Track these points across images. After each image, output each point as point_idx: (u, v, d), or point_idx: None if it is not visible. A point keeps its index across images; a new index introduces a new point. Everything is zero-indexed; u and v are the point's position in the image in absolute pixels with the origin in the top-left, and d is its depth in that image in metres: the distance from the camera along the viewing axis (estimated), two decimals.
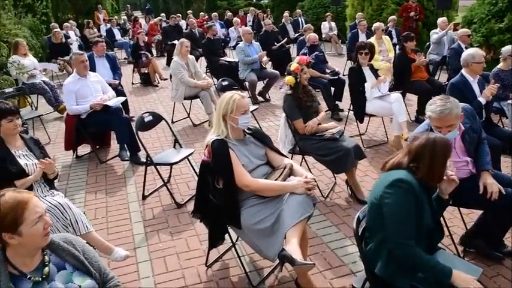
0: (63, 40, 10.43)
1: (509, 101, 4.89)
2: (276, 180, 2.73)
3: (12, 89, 6.21)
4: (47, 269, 1.71)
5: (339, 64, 9.42)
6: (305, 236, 2.81)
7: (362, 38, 8.99)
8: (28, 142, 3.20)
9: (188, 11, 18.37)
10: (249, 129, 2.97)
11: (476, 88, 4.31)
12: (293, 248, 2.40)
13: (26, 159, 3.08)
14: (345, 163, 3.87)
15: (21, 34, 9.31)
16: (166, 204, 4.20)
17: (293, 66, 4.07)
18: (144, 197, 4.31)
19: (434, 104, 2.68)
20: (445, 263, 2.09)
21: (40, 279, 1.68)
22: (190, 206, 4.05)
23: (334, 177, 4.47)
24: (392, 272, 2.15)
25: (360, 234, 2.28)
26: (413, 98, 6.78)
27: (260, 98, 7.88)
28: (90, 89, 5.19)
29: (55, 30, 10.39)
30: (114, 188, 4.59)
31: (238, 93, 2.86)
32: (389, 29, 9.65)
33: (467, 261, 2.75)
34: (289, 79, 4.09)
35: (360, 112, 5.31)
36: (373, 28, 8.12)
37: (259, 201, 2.73)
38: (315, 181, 2.73)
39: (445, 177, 2.29)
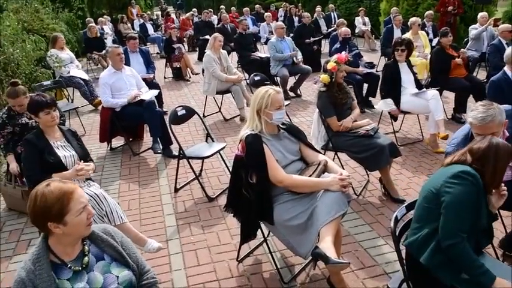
0: (98, 34, 10.65)
1: None
2: (309, 176, 2.70)
3: (49, 82, 6.38)
4: (86, 258, 1.74)
5: (372, 60, 9.22)
6: (339, 234, 2.76)
7: (397, 33, 8.79)
8: (66, 133, 3.27)
9: (220, 6, 18.42)
10: (283, 124, 2.94)
11: None
12: (327, 246, 2.36)
13: (64, 150, 3.16)
14: (379, 160, 3.79)
15: (59, 29, 9.57)
16: (197, 197, 4.23)
17: (330, 65, 4.00)
18: (176, 190, 4.35)
19: (476, 110, 2.56)
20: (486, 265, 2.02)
21: (80, 268, 1.71)
22: (222, 200, 4.10)
23: (367, 174, 4.39)
24: (438, 263, 2.08)
25: (397, 234, 2.22)
26: (450, 96, 6.59)
27: (291, 94, 7.83)
28: (124, 83, 5.28)
29: (90, 25, 10.62)
30: (147, 180, 4.66)
31: (273, 88, 2.83)
32: (426, 24, 9.37)
33: (507, 266, 2.64)
34: (324, 77, 4.02)
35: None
36: (409, 23, 7.92)
37: (292, 197, 2.70)
38: (350, 178, 2.68)
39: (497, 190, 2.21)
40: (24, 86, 4.24)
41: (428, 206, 2.15)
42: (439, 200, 2.08)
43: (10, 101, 3.86)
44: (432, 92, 4.96)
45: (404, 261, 2.22)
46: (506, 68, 4.17)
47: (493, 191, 2.19)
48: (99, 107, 7.06)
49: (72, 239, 1.74)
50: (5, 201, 4.23)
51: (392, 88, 5.12)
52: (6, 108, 3.97)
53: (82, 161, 3.14)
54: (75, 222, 1.67)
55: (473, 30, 8.06)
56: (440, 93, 5.38)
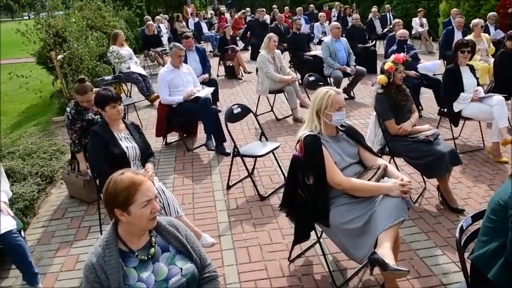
0: (156, 32, 10.99)
1: None
2: (368, 180, 2.65)
3: (110, 77, 6.66)
4: (153, 249, 1.80)
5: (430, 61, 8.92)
6: (397, 241, 2.70)
7: (458, 35, 8.41)
8: (129, 126, 3.42)
9: (273, 6, 18.44)
10: (342, 126, 2.91)
11: None
12: (385, 252, 2.31)
13: (127, 142, 3.30)
14: (439, 168, 3.65)
15: (119, 26, 9.95)
16: (249, 195, 4.27)
17: (387, 65, 3.90)
18: (229, 187, 4.41)
19: None
20: None
21: (146, 258, 1.77)
22: (273, 200, 4.12)
23: (424, 182, 4.26)
24: (508, 280, 1.98)
25: (462, 244, 2.14)
26: None
27: (345, 95, 7.71)
28: (182, 80, 5.42)
29: (149, 22, 10.97)
30: (200, 176, 4.75)
31: (333, 89, 2.81)
32: (489, 26, 8.93)
33: None
34: (381, 78, 3.93)
35: (456, 114, 4.97)
36: (471, 25, 7.57)
37: (350, 200, 2.66)
38: (411, 184, 2.60)
39: None
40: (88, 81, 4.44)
41: (496, 219, 2.05)
42: (507, 213, 1.98)
43: (78, 97, 4.03)
44: (497, 98, 4.71)
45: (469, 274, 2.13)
46: None
47: None
48: (155, 103, 7.32)
49: (138, 230, 1.79)
50: (67, 189, 4.46)
51: (453, 93, 4.93)
52: (73, 104, 4.14)
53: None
54: (138, 213, 1.73)
55: None
56: (507, 99, 5.10)
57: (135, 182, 1.74)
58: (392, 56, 3.94)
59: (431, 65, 6.64)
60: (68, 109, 4.12)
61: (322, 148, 2.69)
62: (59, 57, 6.42)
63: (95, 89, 3.97)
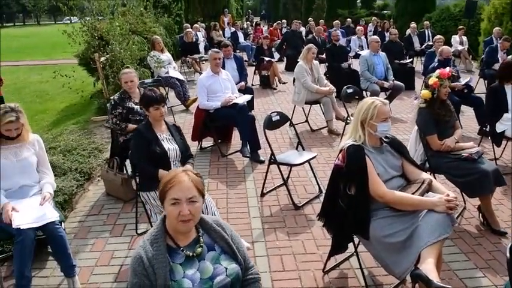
0: (194, 40, 11.19)
1: None
2: (412, 194, 2.59)
3: (150, 80, 6.80)
4: (200, 249, 1.80)
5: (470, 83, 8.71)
6: (440, 258, 2.61)
7: (500, 55, 8.23)
8: (171, 128, 3.48)
9: (308, 18, 18.51)
10: (386, 137, 2.87)
11: None
12: (429, 268, 2.25)
13: (168, 143, 3.35)
14: (482, 187, 3.54)
15: (158, 32, 10.19)
16: (283, 204, 4.24)
17: (432, 80, 3.82)
18: (263, 194, 4.41)
19: None
20: None
21: (192, 255, 1.78)
22: (307, 210, 4.09)
23: (464, 201, 4.12)
24: None
25: None
26: None
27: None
28: (220, 86, 5.49)
29: (188, 30, 11.20)
30: (234, 182, 4.77)
31: (380, 100, 2.78)
32: None
33: None
34: (425, 93, 3.85)
35: (498, 134, 4.82)
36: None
37: (392, 213, 2.61)
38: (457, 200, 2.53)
39: None
40: None
41: None
42: None
43: (123, 76, 4.42)
44: None
45: None
46: None
47: None
48: (190, 108, 7.43)
49: (174, 226, 1.78)
50: (104, 186, 4.55)
51: (496, 113, 4.79)
52: (120, 92, 4.51)
53: None
54: (168, 210, 1.75)
55: None
56: None
57: (174, 178, 1.76)
58: (437, 71, 3.86)
59: (466, 80, 6.51)
60: (113, 96, 4.46)
61: (366, 158, 2.65)
62: (102, 59, 6.62)
63: (141, 88, 4.16)
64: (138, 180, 3.42)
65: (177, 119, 7.14)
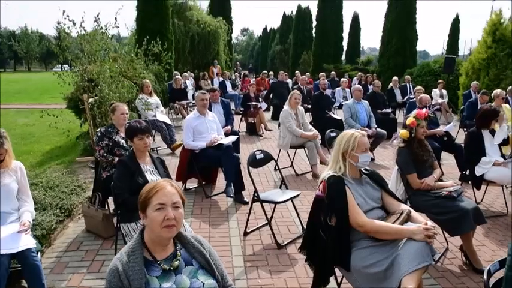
0: (183, 86, 11.43)
1: None
2: (392, 223, 2.61)
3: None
4: (177, 262, 1.78)
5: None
6: (421, 287, 2.60)
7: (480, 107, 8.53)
8: (155, 160, 3.50)
9: (296, 71, 19.12)
10: (365, 169, 2.93)
11: None
12: None
13: (151, 175, 3.36)
14: (462, 225, 3.56)
15: (148, 78, 10.40)
16: (266, 243, 4.20)
17: (409, 120, 3.96)
18: (246, 234, 4.36)
19: None
20: None
21: (169, 268, 1.75)
22: (291, 249, 4.05)
23: (447, 242, 4.14)
24: None
25: (490, 286, 2.05)
26: None
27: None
28: (206, 127, 5.57)
29: (177, 77, 11.47)
30: (217, 221, 4.72)
31: (358, 131, 2.87)
32: (509, 99, 9.05)
33: None
34: (403, 133, 3.98)
35: (478, 177, 4.92)
36: (492, 95, 7.71)
37: (372, 243, 2.61)
38: (435, 229, 2.55)
39: None
40: None
41: None
42: None
43: (119, 108, 4.55)
44: None
45: None
46: None
47: None
48: (176, 151, 7.45)
49: (159, 238, 1.78)
50: (85, 223, 4.47)
51: (475, 157, 4.92)
52: (107, 126, 4.60)
53: None
54: (152, 217, 1.74)
55: None
56: None
57: (157, 186, 1.79)
58: (415, 111, 4.01)
59: (446, 127, 6.72)
60: (99, 128, 4.51)
61: (346, 189, 2.69)
62: (90, 100, 6.69)
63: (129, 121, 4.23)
64: (118, 211, 3.39)
65: None
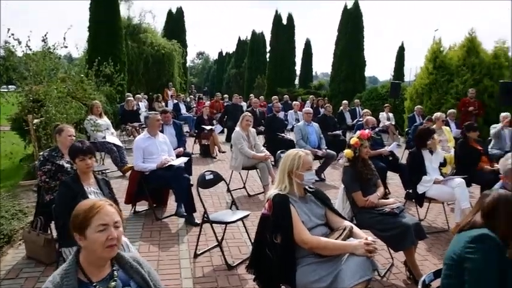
0: (135, 108, 11.27)
1: None
2: (335, 240, 2.69)
3: None
4: (114, 283, 1.74)
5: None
6: None
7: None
8: (100, 181, 3.42)
9: (250, 95, 19.37)
10: (310, 188, 3.01)
11: None
12: None
13: (95, 196, 3.28)
14: (404, 240, 3.70)
15: (99, 99, 10.19)
16: (216, 264, 4.16)
17: (353, 140, 4.14)
18: (196, 256, 4.31)
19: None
20: None
21: None
22: (241, 270, 4.04)
23: (392, 258, 4.28)
24: None
25: None
26: (476, 191, 6.54)
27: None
28: (157, 148, 5.51)
29: (129, 98, 11.33)
30: (167, 244, 4.64)
31: (302, 151, 2.96)
32: (449, 121, 9.60)
33: None
34: (348, 152, 4.14)
35: (420, 195, 5.16)
36: (433, 117, 8.15)
37: (316, 259, 2.67)
38: (376, 244, 2.65)
39: None
40: None
41: (451, 274, 2.11)
42: (462, 268, 2.04)
43: (66, 130, 4.36)
44: (458, 180, 4.97)
45: None
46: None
47: None
48: (127, 174, 7.29)
49: (96, 258, 1.74)
50: (25, 249, 4.25)
51: (417, 176, 5.17)
52: (50, 149, 4.36)
53: None
54: (93, 238, 1.70)
55: (493, 129, 8.23)
56: (467, 185, 5.36)
57: (94, 205, 1.75)
58: (358, 132, 4.19)
59: (390, 147, 7.04)
60: (42, 152, 4.26)
61: (291, 207, 2.75)
62: (36, 121, 6.47)
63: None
64: (60, 235, 3.26)
65: (113, 185, 6.91)
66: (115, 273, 1.79)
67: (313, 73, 35.67)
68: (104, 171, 6.79)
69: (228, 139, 11.71)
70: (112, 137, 7.84)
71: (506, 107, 10.30)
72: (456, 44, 13.50)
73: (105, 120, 7.98)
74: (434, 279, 2.28)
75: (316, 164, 8.03)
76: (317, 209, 2.93)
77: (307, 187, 2.97)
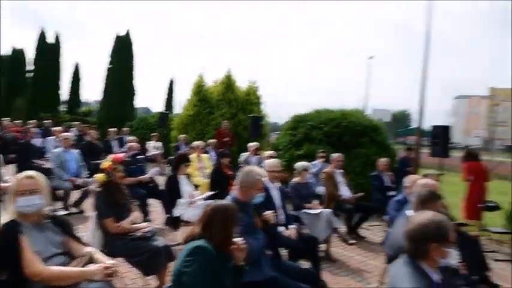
0: None
1: (305, 210, 5.51)
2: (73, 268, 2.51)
3: None
4: None
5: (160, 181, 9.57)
6: None
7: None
8: None
9: (2, 118, 16.84)
10: (49, 214, 2.76)
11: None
12: None
13: None
14: (154, 264, 3.69)
15: None
16: None
17: (106, 164, 4.04)
18: None
19: None
20: None
21: None
22: None
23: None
24: None
25: None
26: None
27: (74, 209, 7.36)
28: None
29: None
30: None
31: (25, 173, 2.71)
32: (210, 150, 10.44)
33: None
34: (100, 177, 4.01)
35: (175, 218, 5.36)
36: (193, 145, 8.75)
37: None
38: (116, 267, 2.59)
39: (235, 246, 2.41)
40: None
41: None
42: (181, 280, 2.18)
43: None
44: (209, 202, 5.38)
45: None
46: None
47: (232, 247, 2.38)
48: None
49: None
50: None
51: (173, 199, 5.38)
52: None
53: None
54: None
55: (243, 156, 9.45)
56: None
57: None
58: (111, 156, 4.11)
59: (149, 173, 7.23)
60: None
61: (20, 237, 2.44)
62: None
63: None
64: None
65: None
66: None
67: (85, 99, 33.90)
68: None
69: None
70: None
71: (255, 137, 11.87)
72: (218, 80, 14.91)
73: None
74: None
75: (75, 194, 7.49)
76: (55, 237, 2.69)
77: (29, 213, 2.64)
